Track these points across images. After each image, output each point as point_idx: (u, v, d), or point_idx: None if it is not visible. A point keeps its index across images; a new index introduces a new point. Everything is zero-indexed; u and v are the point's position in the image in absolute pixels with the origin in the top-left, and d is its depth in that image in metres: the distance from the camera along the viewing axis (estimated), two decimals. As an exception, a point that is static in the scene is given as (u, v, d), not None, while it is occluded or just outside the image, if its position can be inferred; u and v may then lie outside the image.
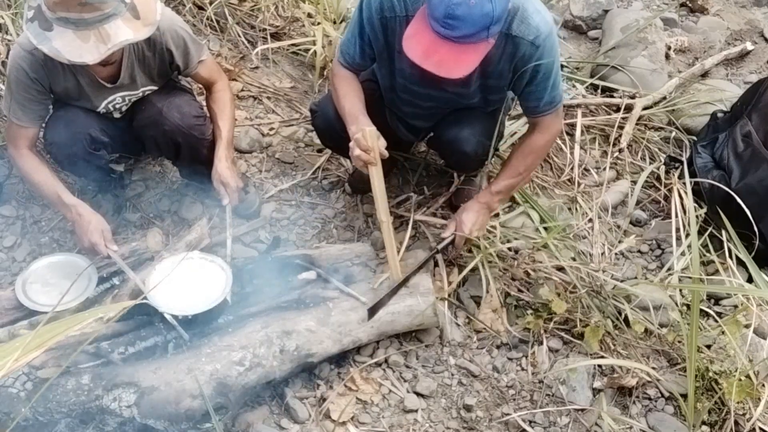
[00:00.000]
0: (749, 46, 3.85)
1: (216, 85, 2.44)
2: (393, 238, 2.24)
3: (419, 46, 1.91)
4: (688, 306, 2.38)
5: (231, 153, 2.42)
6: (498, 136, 2.37)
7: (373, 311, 2.19)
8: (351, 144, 2.15)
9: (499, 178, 2.35)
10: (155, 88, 2.35)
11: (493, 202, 2.34)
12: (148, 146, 2.50)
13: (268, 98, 3.21)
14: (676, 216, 2.66)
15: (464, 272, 2.40)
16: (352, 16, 2.24)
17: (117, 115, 2.39)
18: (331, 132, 2.45)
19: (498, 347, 2.35)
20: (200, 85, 2.55)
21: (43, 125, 2.36)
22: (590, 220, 2.74)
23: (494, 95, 2.28)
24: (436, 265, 2.46)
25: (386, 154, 2.12)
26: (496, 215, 2.61)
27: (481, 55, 1.91)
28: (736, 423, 2.10)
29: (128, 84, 2.26)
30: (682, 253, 2.55)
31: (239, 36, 3.37)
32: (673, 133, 3.18)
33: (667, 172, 2.94)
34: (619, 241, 2.67)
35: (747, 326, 2.26)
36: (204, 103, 2.52)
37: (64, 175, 2.69)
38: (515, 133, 2.92)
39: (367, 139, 2.09)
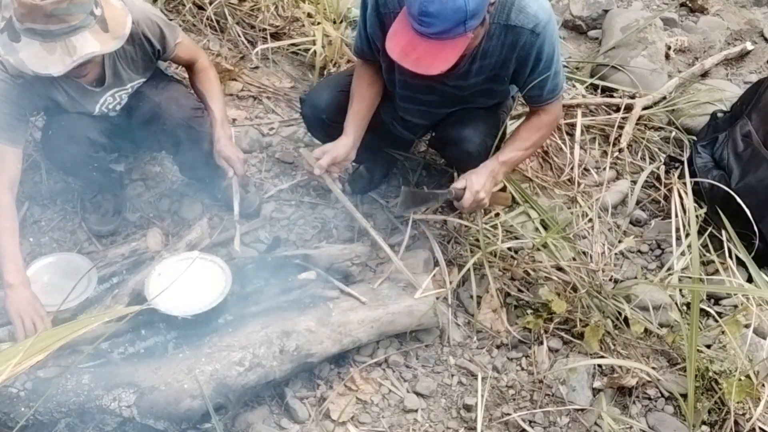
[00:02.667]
0: (749, 46, 3.85)
1: (197, 64, 2.43)
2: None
3: (398, 44, 1.92)
4: (688, 306, 2.38)
5: (227, 130, 2.40)
6: (501, 137, 2.37)
7: (406, 204, 2.26)
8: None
9: (506, 149, 2.29)
10: (143, 80, 2.35)
11: (498, 171, 2.26)
12: (148, 142, 2.49)
13: (268, 98, 3.21)
14: (676, 216, 2.66)
15: (463, 271, 2.40)
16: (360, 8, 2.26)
17: (113, 113, 2.39)
18: (318, 121, 2.46)
19: (498, 347, 2.35)
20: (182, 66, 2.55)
21: (40, 130, 2.34)
22: (590, 220, 2.74)
23: (498, 86, 2.27)
24: (436, 264, 2.46)
25: (323, 167, 2.21)
26: (497, 214, 2.62)
27: (459, 50, 1.90)
28: (736, 423, 2.10)
29: (114, 81, 2.26)
30: (682, 253, 2.55)
31: (239, 36, 3.37)
32: (673, 133, 3.18)
33: (667, 172, 2.94)
34: (619, 241, 2.67)
35: (747, 326, 2.26)
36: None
37: (63, 177, 2.70)
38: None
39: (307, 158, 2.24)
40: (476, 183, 2.20)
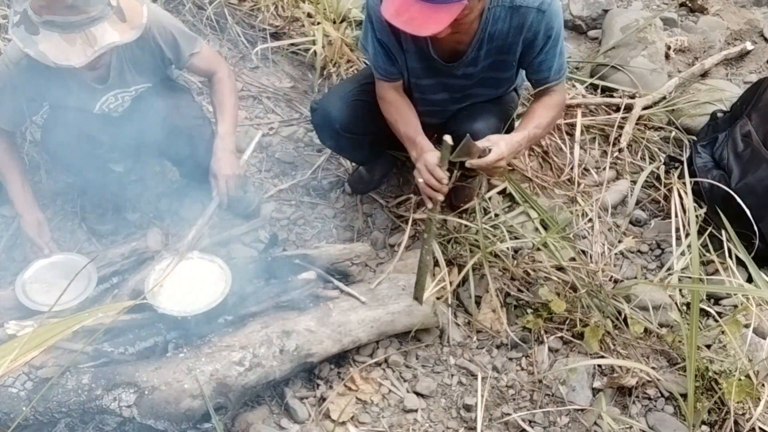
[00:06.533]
0: (749, 45, 3.85)
1: (215, 76, 2.42)
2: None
3: (393, 5, 1.92)
4: (688, 306, 2.38)
5: (228, 144, 2.36)
6: (507, 130, 2.37)
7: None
8: (415, 171, 2.09)
9: (524, 126, 2.23)
10: (149, 85, 2.34)
11: (523, 145, 2.18)
12: (147, 146, 2.49)
13: (268, 98, 3.21)
14: (676, 216, 2.67)
15: (463, 271, 2.40)
16: (363, 25, 2.24)
17: (115, 114, 2.39)
18: (330, 130, 2.45)
19: (498, 347, 2.35)
20: (200, 82, 2.54)
21: (39, 126, 2.35)
22: (590, 220, 2.74)
23: (505, 72, 2.28)
24: (436, 264, 2.46)
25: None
26: (497, 215, 2.62)
27: (453, 14, 1.90)
28: (736, 423, 2.11)
29: (118, 83, 2.26)
30: (682, 253, 2.55)
31: (239, 36, 3.37)
32: (673, 133, 3.18)
33: (666, 172, 2.94)
34: (619, 241, 2.68)
35: (747, 326, 2.26)
36: (204, 104, 2.51)
37: (63, 177, 2.70)
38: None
39: (432, 172, 2.01)
40: (504, 148, 2.07)
